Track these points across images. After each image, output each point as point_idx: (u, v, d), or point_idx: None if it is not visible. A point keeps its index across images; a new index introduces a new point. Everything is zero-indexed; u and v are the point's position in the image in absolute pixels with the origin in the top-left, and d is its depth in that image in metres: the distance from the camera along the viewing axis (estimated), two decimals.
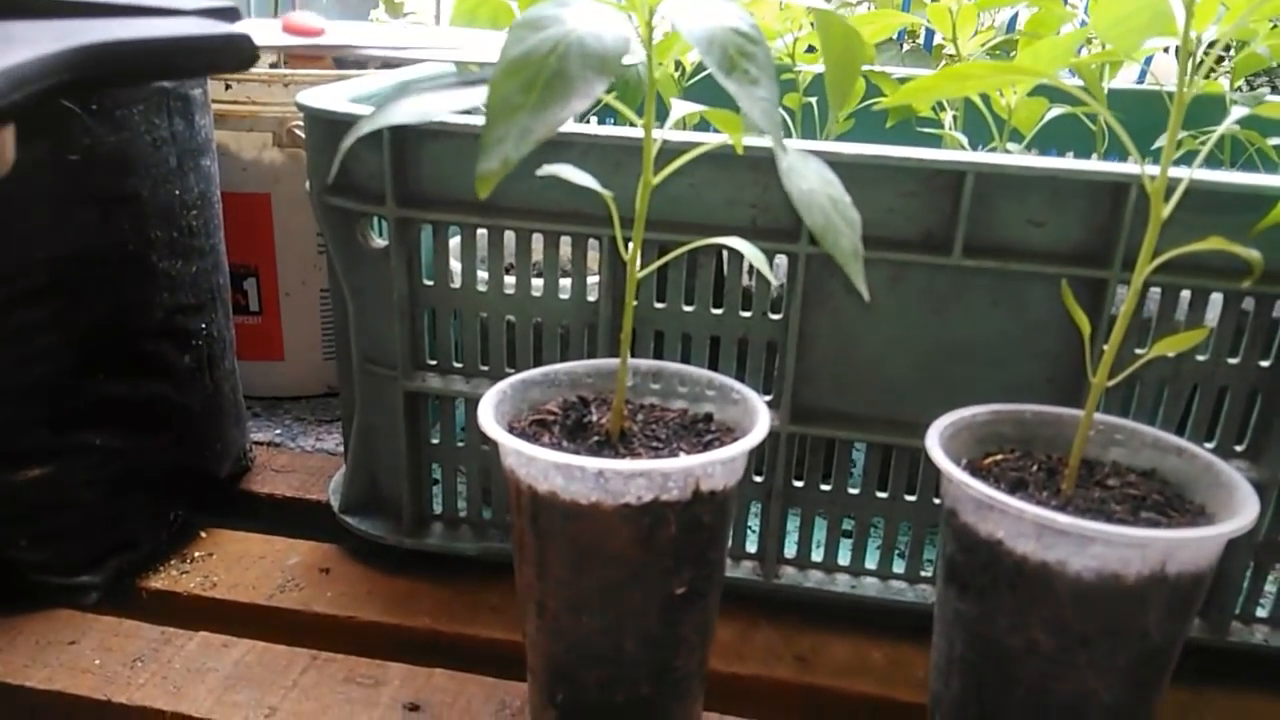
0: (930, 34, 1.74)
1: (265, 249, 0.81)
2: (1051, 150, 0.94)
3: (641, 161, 0.44)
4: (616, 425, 0.48)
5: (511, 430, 0.47)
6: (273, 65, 0.96)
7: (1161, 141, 0.87)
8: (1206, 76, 0.44)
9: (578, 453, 0.46)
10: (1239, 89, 0.88)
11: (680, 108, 0.48)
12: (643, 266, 0.47)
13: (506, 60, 0.35)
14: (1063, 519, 0.39)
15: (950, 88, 0.46)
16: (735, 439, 0.48)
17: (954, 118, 0.78)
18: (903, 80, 0.83)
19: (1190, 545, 0.40)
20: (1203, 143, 0.80)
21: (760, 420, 0.46)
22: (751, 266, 0.60)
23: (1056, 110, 0.71)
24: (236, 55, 0.34)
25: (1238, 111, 0.45)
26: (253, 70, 0.80)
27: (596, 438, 0.47)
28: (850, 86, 0.52)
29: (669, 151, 0.47)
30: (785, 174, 0.40)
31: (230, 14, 0.38)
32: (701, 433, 0.49)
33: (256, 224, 0.81)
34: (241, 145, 0.78)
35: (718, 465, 0.43)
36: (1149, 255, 0.42)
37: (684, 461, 0.42)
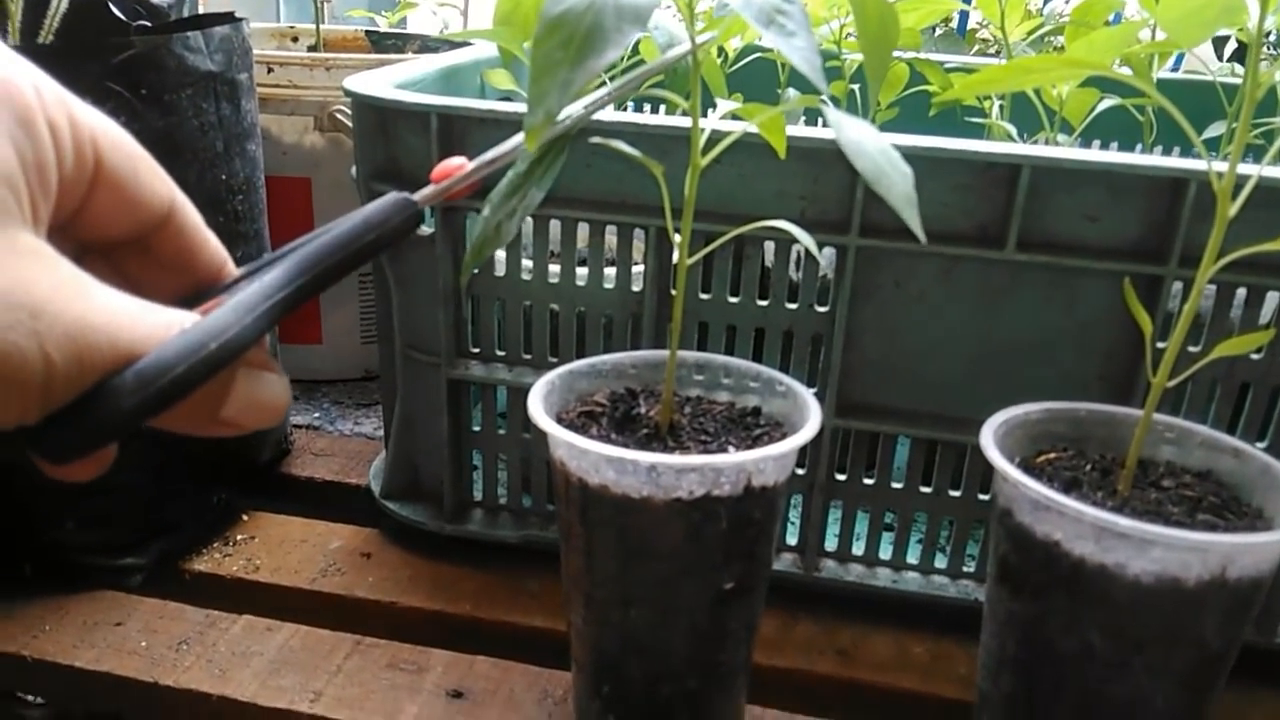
0: (964, 18, 1.72)
1: (304, 232, 0.81)
2: (1098, 141, 0.93)
3: (688, 149, 0.43)
4: (666, 418, 0.47)
5: (560, 421, 0.47)
6: (311, 48, 0.96)
7: (1211, 132, 0.86)
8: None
9: (627, 445, 0.46)
10: None
11: (725, 106, 0.47)
12: (690, 256, 0.47)
13: (547, 20, 0.36)
14: (1124, 522, 0.38)
15: (1012, 82, 0.45)
16: (784, 433, 0.48)
17: (1000, 107, 0.77)
18: (944, 66, 0.82)
19: (1252, 550, 0.39)
20: (1257, 136, 0.79)
21: (812, 415, 0.45)
22: (798, 259, 0.60)
23: (1108, 101, 0.69)
24: (414, 228, 0.36)
25: None
26: (294, 53, 0.80)
27: (645, 430, 0.47)
28: (886, 64, 0.51)
29: (715, 139, 0.47)
30: (835, 125, 0.40)
31: None
32: (750, 426, 0.49)
33: (297, 208, 0.81)
34: (283, 129, 0.78)
35: (770, 461, 0.43)
36: (1214, 255, 0.42)
37: (737, 457, 0.42)
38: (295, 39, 0.98)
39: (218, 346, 0.27)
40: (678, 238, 0.46)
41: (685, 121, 0.53)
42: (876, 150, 0.38)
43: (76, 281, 0.25)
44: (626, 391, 0.50)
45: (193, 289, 0.32)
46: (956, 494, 0.59)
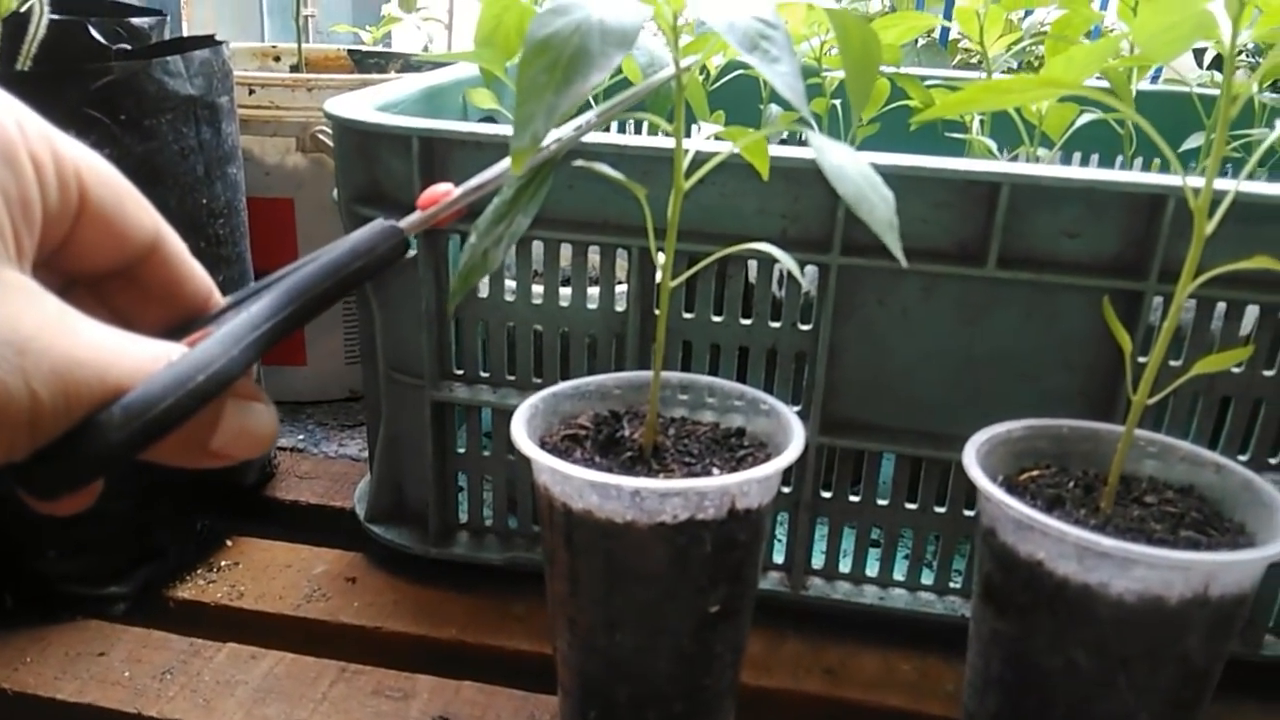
0: (945, 29, 1.73)
1: (288, 254, 0.81)
2: (1079, 153, 0.94)
3: (670, 170, 0.44)
4: (649, 440, 0.47)
5: (544, 445, 0.47)
6: (293, 68, 0.96)
7: (1189, 143, 0.87)
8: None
9: (611, 469, 0.46)
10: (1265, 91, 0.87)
11: (709, 130, 0.47)
12: (674, 277, 0.47)
13: (533, 43, 0.36)
14: (1106, 542, 0.38)
15: (990, 101, 0.45)
16: (768, 454, 0.48)
17: (981, 122, 0.78)
18: (925, 80, 0.83)
19: (1233, 568, 0.39)
20: (1235, 149, 0.79)
21: (795, 436, 0.45)
22: (781, 277, 0.60)
23: (1088, 116, 0.70)
24: (401, 256, 0.36)
25: None
26: (275, 74, 0.80)
27: (629, 453, 0.47)
28: (870, 88, 0.51)
29: (699, 160, 0.47)
30: (818, 150, 0.40)
31: None
32: (734, 448, 0.48)
33: (279, 229, 0.80)
34: (265, 150, 0.78)
35: (754, 484, 0.43)
36: (1191, 272, 0.42)
37: (720, 480, 0.42)
38: (277, 58, 0.98)
39: (205, 379, 0.27)
40: (661, 258, 0.46)
41: (668, 143, 0.53)
42: (858, 174, 0.38)
43: (63, 317, 0.25)
44: (610, 414, 0.50)
45: (180, 319, 0.32)
46: (942, 510, 0.59)
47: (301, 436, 0.82)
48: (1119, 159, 0.92)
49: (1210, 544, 0.42)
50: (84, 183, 0.28)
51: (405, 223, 0.37)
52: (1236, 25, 0.41)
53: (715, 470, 0.46)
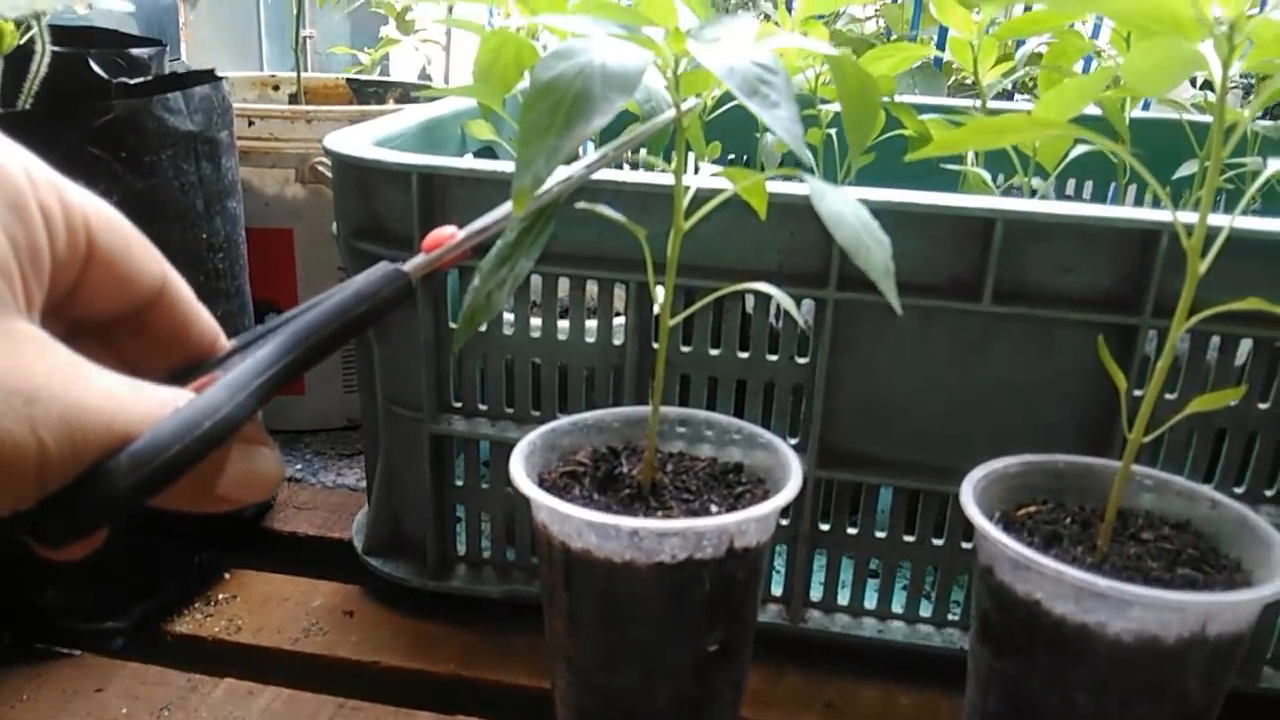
0: (942, 40, 1.74)
1: (287, 283, 0.82)
2: (1074, 180, 0.94)
3: (669, 206, 0.44)
4: (648, 477, 0.47)
5: (542, 482, 0.47)
6: (292, 97, 0.96)
7: (1183, 170, 0.87)
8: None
9: (609, 506, 0.46)
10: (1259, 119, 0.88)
11: (707, 170, 0.48)
12: (672, 314, 0.47)
13: (537, 85, 0.37)
14: (1103, 583, 0.38)
15: (985, 141, 0.46)
16: (766, 490, 0.48)
17: (975, 153, 0.78)
18: (920, 109, 0.83)
19: (1230, 608, 0.39)
20: (1228, 180, 0.80)
21: (793, 474, 0.45)
22: (778, 310, 0.60)
23: (1081, 147, 0.70)
24: (405, 299, 0.36)
25: (1275, 164, 0.44)
26: (274, 106, 0.80)
27: (628, 490, 0.47)
28: (868, 134, 0.52)
29: (698, 198, 0.47)
30: (814, 196, 0.41)
31: None
32: (732, 484, 0.49)
33: (278, 259, 0.81)
34: (264, 181, 0.79)
35: (752, 523, 0.43)
36: (1185, 312, 0.42)
37: (718, 520, 0.42)
38: (276, 87, 0.98)
39: (212, 425, 0.27)
40: (660, 293, 0.46)
41: (666, 179, 0.54)
42: (855, 221, 0.38)
43: (71, 365, 0.25)
44: (609, 450, 0.50)
45: (186, 363, 0.32)
46: (939, 543, 0.59)
47: (300, 466, 0.82)
48: (1113, 186, 0.93)
49: (1207, 582, 0.42)
50: (92, 230, 0.28)
51: (409, 266, 0.37)
52: (1226, 67, 0.41)
53: (714, 507, 0.46)
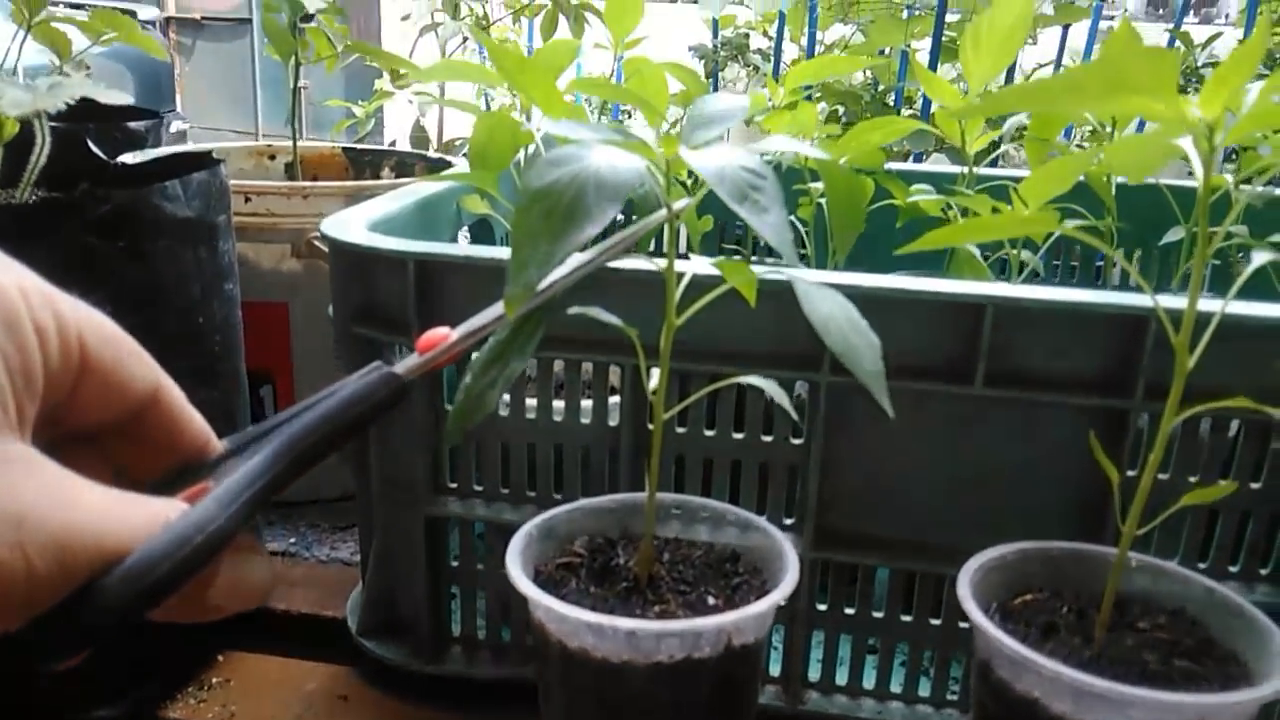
0: (927, 103, 1.77)
1: (282, 356, 0.82)
2: (1064, 248, 0.95)
3: (660, 294, 0.44)
4: (644, 570, 0.47)
5: (538, 575, 0.47)
6: (288, 166, 0.97)
7: (1170, 237, 0.88)
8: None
9: (606, 599, 0.46)
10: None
11: (699, 262, 0.49)
12: (665, 402, 0.47)
13: (531, 192, 0.37)
14: (1100, 684, 0.38)
15: (973, 236, 0.47)
16: (763, 580, 0.48)
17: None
18: (909, 177, 0.84)
19: (1228, 708, 0.39)
20: (1217, 257, 0.81)
21: (789, 566, 0.46)
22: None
23: (1070, 223, 0.71)
24: (399, 401, 0.36)
25: (1260, 257, 0.45)
26: (271, 183, 0.81)
27: (625, 583, 0.47)
28: (854, 231, 0.53)
29: (692, 284, 0.48)
30: (803, 298, 0.42)
31: None
32: (729, 574, 0.49)
33: (274, 332, 0.81)
34: (260, 256, 0.79)
35: (750, 620, 0.43)
36: (1174, 408, 0.43)
37: (716, 620, 0.42)
38: (273, 157, 0.99)
39: (203, 540, 0.27)
40: (655, 378, 0.47)
41: (657, 265, 0.54)
42: (845, 324, 0.39)
43: (61, 485, 0.25)
44: (605, 540, 0.50)
45: (178, 467, 0.33)
46: (938, 622, 0.59)
47: (293, 540, 0.81)
48: (1100, 256, 0.94)
49: (1204, 674, 0.42)
50: (85, 343, 0.28)
51: (403, 368, 0.37)
52: (1207, 168, 0.42)
53: (711, 599, 0.46)
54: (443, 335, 0.40)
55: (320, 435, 0.34)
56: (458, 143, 1.60)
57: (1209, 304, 0.44)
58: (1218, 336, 0.44)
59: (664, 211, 0.44)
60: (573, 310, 0.45)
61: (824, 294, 0.41)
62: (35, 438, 0.26)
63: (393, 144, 1.76)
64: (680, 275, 0.48)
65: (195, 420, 0.33)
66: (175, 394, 0.32)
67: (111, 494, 0.27)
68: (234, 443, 0.34)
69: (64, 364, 0.28)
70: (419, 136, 1.78)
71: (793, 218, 0.86)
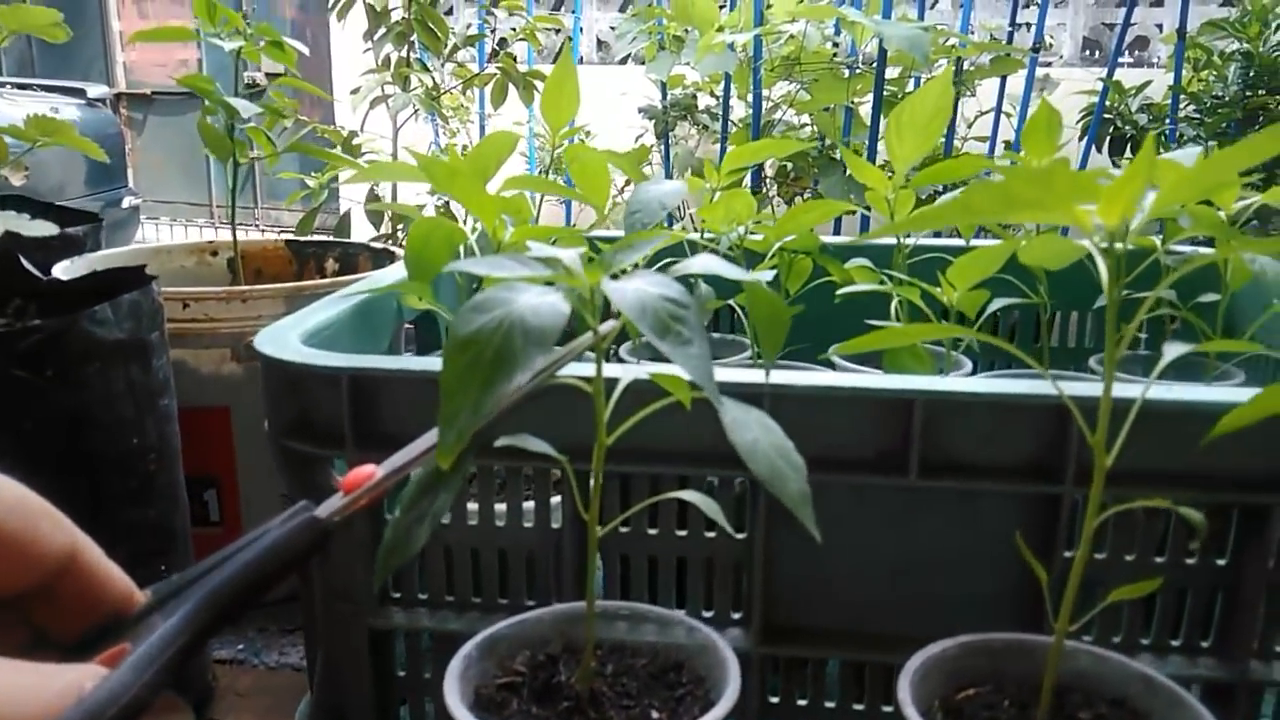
0: (873, 149, 1.80)
1: (225, 459, 0.81)
2: (1000, 318, 0.97)
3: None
4: (585, 685, 0.47)
5: (479, 697, 0.47)
6: (230, 262, 0.97)
7: (1101, 301, 0.90)
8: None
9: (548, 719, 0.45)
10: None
11: (630, 369, 0.49)
12: (603, 509, 0.47)
13: (458, 339, 0.37)
14: None
15: (891, 340, 0.48)
16: (706, 690, 0.48)
17: (899, 306, 0.80)
18: (845, 251, 0.86)
19: None
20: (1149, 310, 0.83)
21: (731, 681, 0.45)
22: (712, 487, 0.61)
23: (1000, 302, 0.73)
24: (323, 546, 0.36)
25: (1173, 350, 0.46)
26: (209, 290, 0.81)
27: (567, 702, 0.47)
28: (778, 346, 0.54)
29: (629, 389, 0.48)
30: (729, 427, 0.42)
31: None
32: (673, 684, 0.48)
33: (216, 436, 0.80)
34: (200, 361, 0.79)
35: None
36: (1096, 508, 0.43)
37: None
38: (215, 253, 0.99)
39: (117, 712, 0.27)
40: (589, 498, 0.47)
41: (590, 369, 0.55)
42: (770, 449, 0.39)
43: None
44: (546, 657, 0.50)
45: (100, 623, 0.32)
46: (890, 709, 0.59)
47: (241, 646, 0.80)
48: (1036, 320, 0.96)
49: None
50: None
51: (325, 511, 0.37)
52: (1113, 277, 0.43)
53: (654, 713, 0.46)
54: (368, 473, 0.40)
55: (241, 587, 0.33)
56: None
57: (1128, 389, 0.45)
58: (1141, 418, 0.45)
59: (590, 336, 0.44)
60: (501, 442, 0.45)
61: (749, 417, 0.41)
62: None
63: (347, 213, 1.76)
64: (615, 382, 0.48)
65: (114, 577, 0.33)
66: (93, 554, 0.32)
67: (21, 669, 0.26)
68: (157, 593, 0.34)
69: None
70: (372, 208, 1.78)
71: (731, 302, 0.87)
